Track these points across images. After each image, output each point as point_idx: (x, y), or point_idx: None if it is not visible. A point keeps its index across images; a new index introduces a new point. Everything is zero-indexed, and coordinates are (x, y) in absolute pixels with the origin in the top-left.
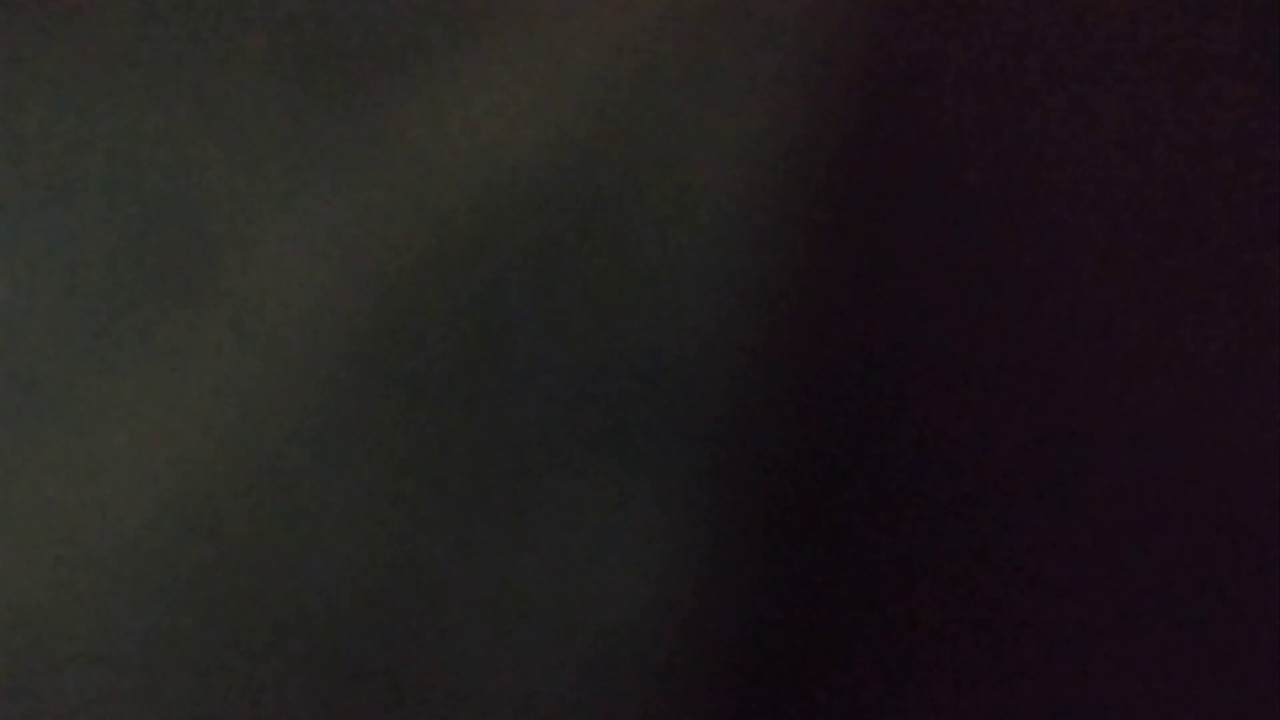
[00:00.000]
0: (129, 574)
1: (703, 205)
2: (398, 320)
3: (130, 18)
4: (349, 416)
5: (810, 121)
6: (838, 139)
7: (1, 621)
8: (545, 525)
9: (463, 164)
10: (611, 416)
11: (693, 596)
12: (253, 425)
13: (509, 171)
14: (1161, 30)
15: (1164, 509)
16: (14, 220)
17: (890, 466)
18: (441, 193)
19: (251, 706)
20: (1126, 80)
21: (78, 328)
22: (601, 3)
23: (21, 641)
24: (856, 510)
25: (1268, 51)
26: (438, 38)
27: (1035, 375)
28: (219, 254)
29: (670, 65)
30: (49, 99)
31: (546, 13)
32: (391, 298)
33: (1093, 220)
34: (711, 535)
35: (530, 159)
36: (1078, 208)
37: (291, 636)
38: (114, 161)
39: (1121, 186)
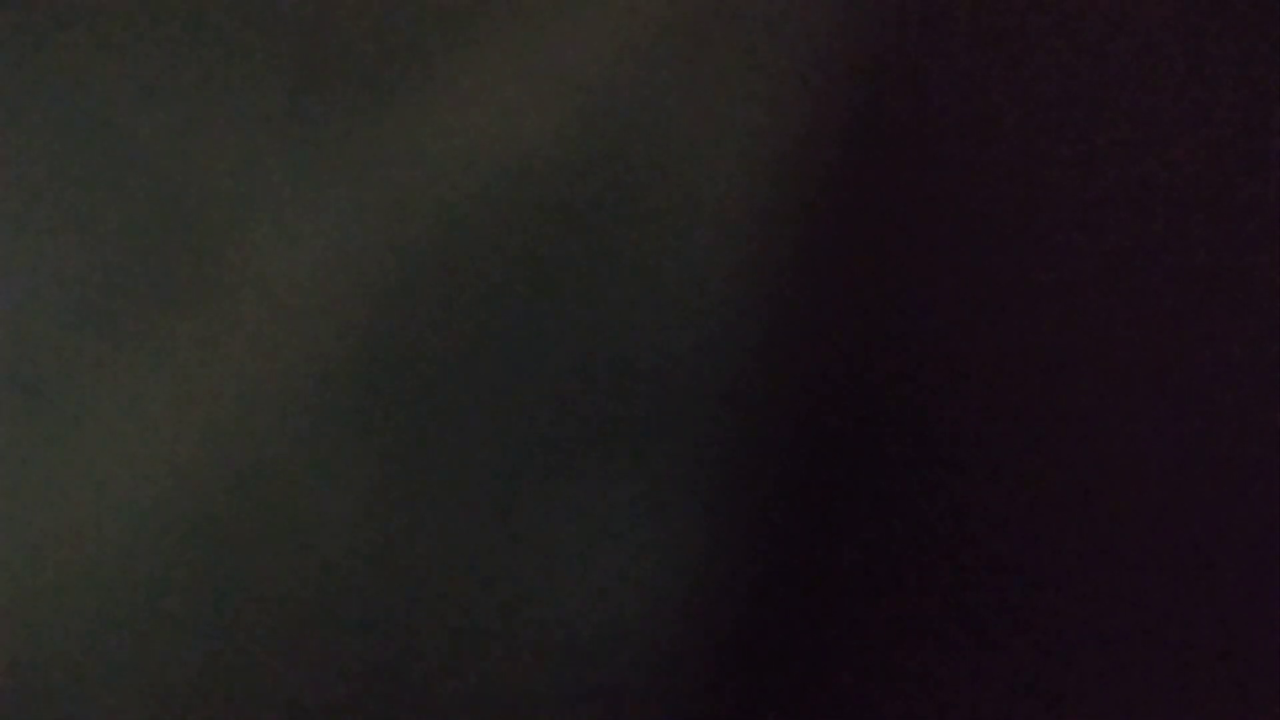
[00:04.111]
0: (129, 573)
1: (703, 205)
2: (397, 320)
3: (130, 17)
4: (348, 416)
5: (810, 121)
6: (838, 139)
7: (2, 621)
8: (544, 524)
9: (462, 163)
10: (610, 416)
11: (692, 596)
12: (253, 424)
13: (509, 171)
14: (1161, 29)
15: (1164, 509)
16: (14, 220)
17: (890, 466)
18: (441, 192)
19: (250, 704)
20: (1126, 80)
21: (78, 327)
22: (602, 3)
23: (22, 640)
24: (856, 510)
25: (1268, 51)
26: (438, 37)
27: (1035, 374)
28: (218, 253)
29: (670, 64)
30: (49, 99)
31: (547, 12)
32: (391, 297)
33: (1093, 220)
34: (710, 535)
35: (530, 158)
36: (1078, 208)
37: (290, 635)
38: (113, 160)
39: (1121, 186)
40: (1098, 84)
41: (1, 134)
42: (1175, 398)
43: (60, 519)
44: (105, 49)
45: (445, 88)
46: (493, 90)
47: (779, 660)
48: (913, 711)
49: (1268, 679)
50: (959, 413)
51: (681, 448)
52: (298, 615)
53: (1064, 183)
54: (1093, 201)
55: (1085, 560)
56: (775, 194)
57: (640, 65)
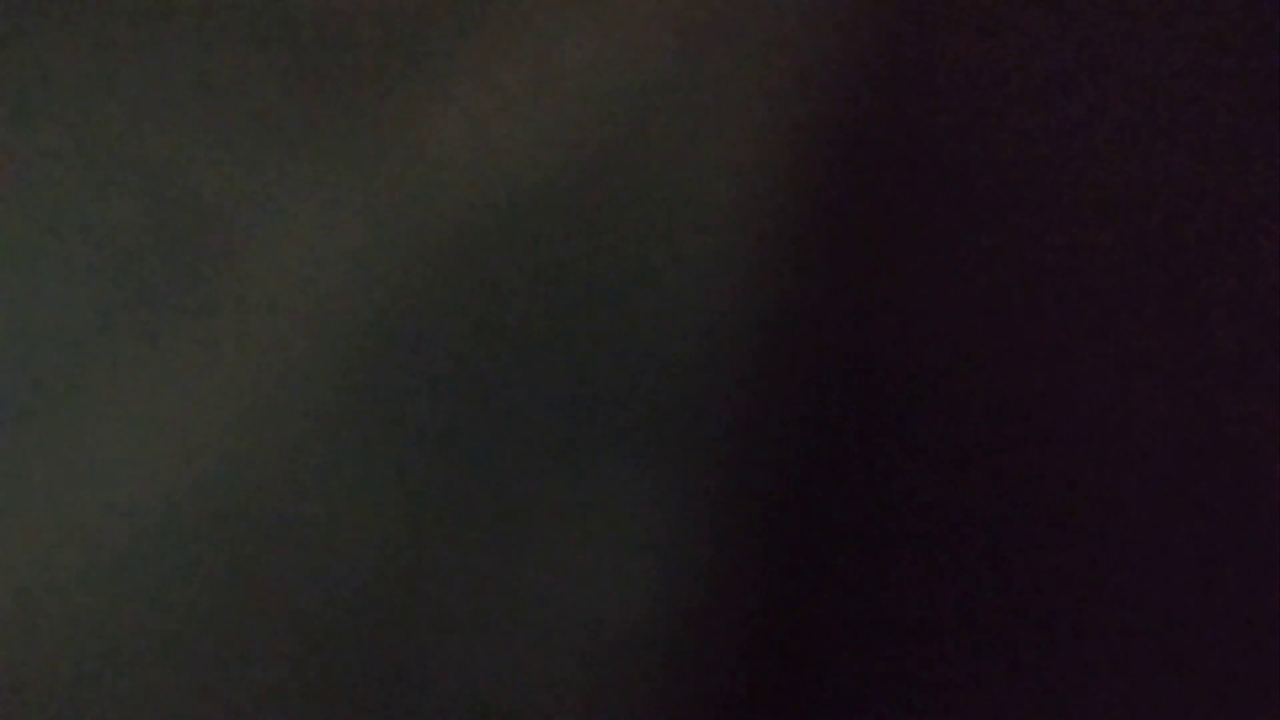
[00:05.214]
0: (133, 573)
1: (705, 205)
2: (402, 321)
3: (136, 18)
4: (354, 416)
5: (811, 122)
6: (838, 139)
7: (7, 621)
8: (548, 525)
9: (468, 165)
10: (614, 417)
11: (694, 596)
12: (258, 425)
13: (513, 172)
14: (1161, 30)
15: (1164, 509)
16: (20, 220)
17: (892, 466)
18: (446, 194)
19: (253, 705)
20: (1127, 80)
21: (85, 327)
22: (605, 5)
23: (26, 641)
24: (858, 509)
25: (1268, 51)
26: (442, 40)
27: (1036, 374)
28: (225, 254)
29: (672, 65)
30: (55, 99)
31: (551, 15)
32: (396, 298)
33: (1093, 220)
34: (713, 536)
35: (534, 160)
36: (1078, 208)
37: (294, 636)
38: (120, 162)
39: (1122, 186)
40: (1098, 84)
41: (6, 138)
42: (1175, 397)
43: (65, 521)
44: (112, 52)
45: (451, 90)
46: (498, 91)
47: (781, 660)
48: (913, 711)
49: (1268, 679)
50: (962, 411)
51: (687, 447)
52: (302, 614)
53: (1065, 183)
54: (1094, 201)
55: (1086, 560)
56: (776, 194)
57: (643, 67)
